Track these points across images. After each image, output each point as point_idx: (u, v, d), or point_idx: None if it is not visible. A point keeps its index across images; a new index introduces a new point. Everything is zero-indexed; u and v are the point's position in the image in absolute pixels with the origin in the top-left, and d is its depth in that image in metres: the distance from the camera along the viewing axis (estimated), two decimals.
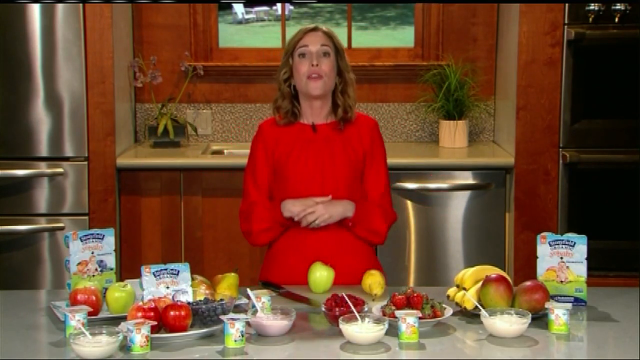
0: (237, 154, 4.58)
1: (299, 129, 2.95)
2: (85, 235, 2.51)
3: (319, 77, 2.88)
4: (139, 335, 2.14)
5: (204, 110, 4.72)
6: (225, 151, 4.60)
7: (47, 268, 4.09)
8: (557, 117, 4.06)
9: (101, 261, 2.54)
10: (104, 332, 2.16)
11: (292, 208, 2.86)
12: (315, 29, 2.95)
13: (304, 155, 2.91)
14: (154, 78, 4.52)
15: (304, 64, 2.90)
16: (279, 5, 5.84)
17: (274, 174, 2.95)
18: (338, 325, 2.23)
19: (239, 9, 10.13)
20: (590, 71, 4.04)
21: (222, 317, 2.22)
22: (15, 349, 2.20)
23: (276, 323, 2.26)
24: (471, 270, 2.52)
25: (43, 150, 4.07)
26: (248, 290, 2.42)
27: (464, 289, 2.47)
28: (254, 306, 2.34)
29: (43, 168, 4.07)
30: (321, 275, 2.69)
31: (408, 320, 2.22)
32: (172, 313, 2.24)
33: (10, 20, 4.01)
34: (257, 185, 2.97)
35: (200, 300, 2.35)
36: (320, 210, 2.83)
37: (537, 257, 2.54)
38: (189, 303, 2.31)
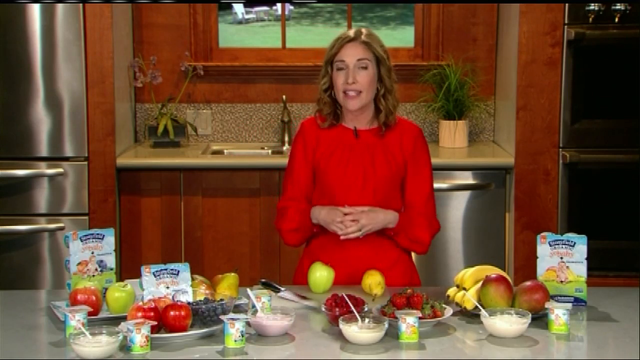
0: (237, 154, 4.59)
1: (341, 132, 2.91)
2: (85, 235, 2.51)
3: (355, 93, 2.82)
4: (139, 335, 2.14)
5: (204, 110, 4.72)
6: (225, 151, 4.60)
7: (47, 268, 4.09)
8: (557, 117, 4.07)
9: (101, 261, 2.54)
10: (104, 332, 2.16)
11: (326, 217, 2.81)
12: (354, 39, 2.84)
13: (344, 160, 2.86)
14: (154, 78, 4.52)
15: (340, 77, 2.83)
16: (279, 5, 5.83)
17: (313, 174, 2.92)
18: (338, 325, 2.23)
19: (239, 9, 10.12)
20: (590, 71, 4.04)
21: (222, 317, 2.22)
22: (15, 349, 2.20)
23: (276, 323, 2.26)
24: (471, 270, 2.52)
25: (43, 150, 4.07)
26: (248, 290, 2.42)
27: (464, 289, 2.47)
28: (254, 306, 2.34)
29: (43, 168, 4.07)
30: (321, 275, 2.69)
31: (408, 320, 2.22)
32: (172, 313, 2.24)
33: (10, 20, 4.01)
34: (294, 184, 2.92)
35: (200, 300, 2.35)
36: (364, 221, 2.78)
37: (537, 257, 2.54)
38: (189, 303, 2.31)
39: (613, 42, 4.02)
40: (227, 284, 2.53)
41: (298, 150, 2.94)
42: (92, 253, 2.52)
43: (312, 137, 2.92)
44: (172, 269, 2.43)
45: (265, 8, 10.13)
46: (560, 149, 4.08)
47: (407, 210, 2.89)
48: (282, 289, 2.67)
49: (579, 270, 2.50)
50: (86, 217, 4.08)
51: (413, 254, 3.03)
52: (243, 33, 9.91)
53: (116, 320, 2.29)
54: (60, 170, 4.06)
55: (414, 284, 2.91)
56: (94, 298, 2.38)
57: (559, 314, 2.29)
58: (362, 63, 2.83)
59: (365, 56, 2.83)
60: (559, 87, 4.05)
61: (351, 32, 2.86)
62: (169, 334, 2.23)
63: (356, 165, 2.85)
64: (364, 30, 2.87)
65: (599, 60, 4.04)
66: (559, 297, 2.50)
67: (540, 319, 2.35)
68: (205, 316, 2.28)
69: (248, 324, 2.25)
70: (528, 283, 2.44)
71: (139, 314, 2.23)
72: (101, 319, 2.37)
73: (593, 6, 3.97)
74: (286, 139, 4.64)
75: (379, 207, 2.83)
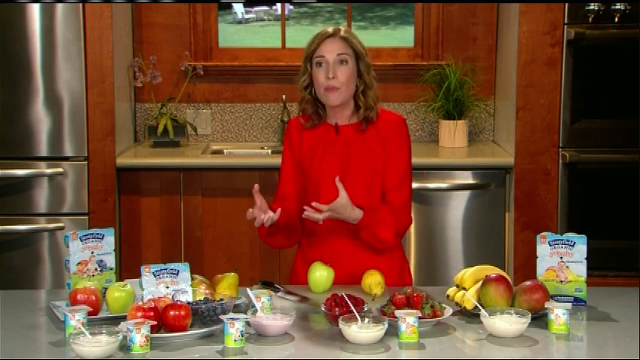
0: (237, 154, 4.59)
1: (323, 130, 2.92)
2: (85, 235, 2.51)
3: (336, 88, 2.83)
4: (139, 335, 2.14)
5: (204, 110, 4.72)
6: (225, 151, 4.60)
7: (47, 268, 4.09)
8: (557, 117, 4.07)
9: (101, 261, 2.54)
10: (104, 332, 2.16)
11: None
12: (333, 35, 2.86)
13: (325, 157, 2.88)
14: (154, 78, 4.52)
15: (321, 73, 2.84)
16: (279, 5, 5.83)
17: (302, 173, 2.94)
18: (338, 325, 2.23)
19: (239, 9, 10.12)
20: (590, 71, 4.04)
21: (222, 317, 2.22)
22: (15, 349, 2.20)
23: (276, 323, 2.26)
24: (471, 270, 2.52)
25: (43, 150, 4.07)
26: (248, 290, 2.42)
27: (464, 289, 2.47)
28: (254, 306, 2.35)
29: (43, 168, 4.07)
30: (321, 275, 2.69)
31: (408, 320, 2.22)
32: (172, 313, 2.24)
33: (10, 20, 4.01)
34: (283, 184, 2.96)
35: (200, 300, 2.35)
36: (325, 208, 2.71)
37: (537, 257, 2.54)
38: (189, 303, 2.31)
39: (613, 42, 4.02)
40: (227, 284, 2.53)
41: (285, 151, 2.98)
42: (92, 253, 2.52)
43: (297, 137, 2.95)
44: (172, 269, 2.43)
45: (265, 8, 10.13)
46: (560, 149, 4.08)
47: (379, 206, 2.85)
48: (282, 289, 2.67)
49: (579, 270, 2.50)
50: (86, 217, 4.08)
51: (409, 252, 3.02)
52: (243, 33, 9.91)
53: (116, 320, 2.29)
54: (60, 170, 4.06)
55: (404, 282, 2.89)
56: (94, 298, 2.38)
57: (559, 314, 2.29)
58: (342, 58, 2.84)
59: (344, 51, 2.85)
60: (559, 87, 4.05)
61: (330, 29, 2.89)
62: (169, 334, 2.23)
63: (335, 161, 2.87)
64: (342, 28, 2.91)
65: (599, 60, 4.04)
66: (559, 297, 2.50)
67: (540, 319, 2.35)
68: (205, 316, 2.28)
69: (248, 324, 2.25)
70: (528, 283, 2.44)
71: (139, 314, 2.23)
72: (101, 319, 2.37)
73: (593, 6, 3.96)
74: None
75: (361, 203, 2.80)
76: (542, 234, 2.55)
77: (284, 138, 3.02)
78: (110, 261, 2.56)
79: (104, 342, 2.12)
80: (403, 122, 2.94)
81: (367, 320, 2.24)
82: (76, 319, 2.22)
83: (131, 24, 4.59)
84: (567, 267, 2.51)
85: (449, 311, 2.38)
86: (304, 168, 2.92)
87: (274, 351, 2.20)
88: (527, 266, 3.98)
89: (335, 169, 2.85)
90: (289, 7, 7.57)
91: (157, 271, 2.41)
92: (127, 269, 4.05)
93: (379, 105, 2.93)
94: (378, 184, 2.87)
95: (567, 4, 4.00)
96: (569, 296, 2.50)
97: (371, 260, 2.80)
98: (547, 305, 2.32)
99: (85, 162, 4.08)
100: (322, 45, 2.86)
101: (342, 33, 2.87)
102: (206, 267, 4.13)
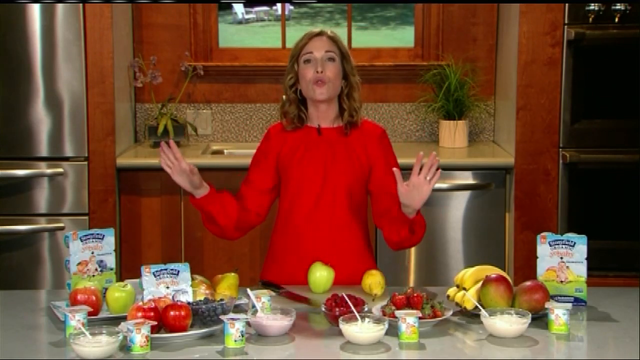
0: (237, 154, 4.58)
1: (305, 132, 2.94)
2: (85, 235, 2.51)
3: (324, 83, 2.87)
4: (139, 335, 2.14)
5: (204, 110, 4.72)
6: (225, 151, 4.60)
7: (47, 268, 4.09)
8: (557, 117, 4.07)
9: (101, 261, 2.54)
10: (104, 332, 2.16)
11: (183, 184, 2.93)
12: (320, 34, 2.93)
13: (307, 157, 2.90)
14: (154, 78, 4.52)
15: (309, 69, 2.88)
16: (279, 5, 5.83)
17: (277, 175, 2.95)
18: (338, 325, 2.23)
19: (239, 9, 10.13)
20: (590, 71, 4.04)
21: (222, 317, 2.22)
22: (15, 349, 2.20)
23: (276, 323, 2.27)
24: (471, 270, 2.52)
25: (43, 150, 4.07)
26: (248, 290, 2.42)
27: (464, 289, 2.47)
28: (254, 306, 2.35)
29: (43, 168, 4.07)
30: (321, 275, 2.69)
31: (408, 320, 2.22)
32: (172, 313, 2.24)
33: (10, 20, 4.01)
34: (247, 181, 3.02)
35: (200, 300, 2.36)
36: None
37: (537, 257, 2.54)
38: (189, 303, 2.31)
39: (613, 42, 4.02)
40: (227, 284, 2.54)
41: (259, 151, 2.99)
42: (92, 253, 2.52)
43: (278, 140, 2.96)
44: (172, 269, 2.43)
45: (265, 8, 10.15)
46: (560, 149, 4.08)
47: (363, 204, 2.92)
48: (282, 289, 2.67)
49: (579, 270, 2.51)
50: (86, 217, 4.08)
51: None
52: (243, 33, 9.92)
53: (116, 320, 2.29)
54: (60, 170, 4.06)
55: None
56: (94, 298, 2.38)
57: (559, 314, 2.29)
58: (330, 55, 2.90)
59: (332, 49, 2.91)
60: (559, 87, 4.05)
61: (316, 30, 2.96)
62: (169, 334, 2.23)
63: (318, 161, 2.89)
64: (328, 30, 2.97)
65: (599, 60, 4.04)
66: (559, 297, 2.50)
67: (540, 319, 2.35)
68: (205, 316, 2.28)
69: (248, 324, 2.25)
70: (528, 283, 2.44)
71: (139, 314, 2.23)
72: (101, 319, 2.38)
73: (593, 6, 3.97)
74: None
75: (342, 204, 2.87)
76: (542, 234, 2.56)
77: (260, 142, 3.01)
78: (110, 261, 2.56)
79: (104, 342, 2.13)
80: (385, 134, 2.99)
81: (367, 320, 2.24)
82: (76, 319, 2.22)
83: (131, 24, 4.59)
84: (567, 267, 2.51)
85: (449, 311, 2.38)
86: (284, 168, 2.93)
87: (274, 351, 2.20)
88: (527, 266, 3.98)
89: (316, 169, 2.87)
90: (289, 7, 7.57)
91: (157, 271, 2.41)
92: (127, 269, 4.05)
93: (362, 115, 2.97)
94: (360, 189, 2.89)
95: (567, 4, 4.00)
96: (569, 296, 2.51)
97: (342, 256, 2.83)
98: (547, 305, 2.32)
99: (85, 162, 4.08)
100: (310, 43, 2.91)
101: (329, 33, 2.95)
102: (206, 267, 4.13)
